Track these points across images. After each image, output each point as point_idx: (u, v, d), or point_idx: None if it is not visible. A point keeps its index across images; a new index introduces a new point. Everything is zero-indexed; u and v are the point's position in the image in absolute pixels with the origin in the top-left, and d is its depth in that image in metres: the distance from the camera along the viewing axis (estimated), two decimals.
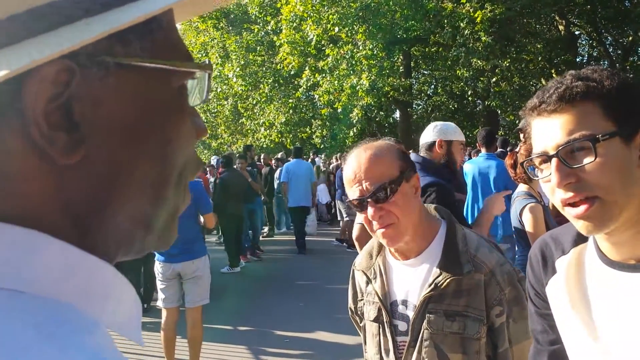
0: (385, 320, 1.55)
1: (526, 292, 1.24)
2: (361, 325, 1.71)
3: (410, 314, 1.51)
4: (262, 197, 10.62)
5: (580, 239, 1.09)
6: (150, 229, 0.46)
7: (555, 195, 0.96)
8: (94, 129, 0.40)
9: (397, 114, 18.72)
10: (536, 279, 1.18)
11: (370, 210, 1.40)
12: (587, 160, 0.90)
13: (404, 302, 1.54)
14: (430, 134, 3.12)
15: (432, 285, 1.45)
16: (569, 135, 0.92)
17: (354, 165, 1.43)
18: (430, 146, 3.08)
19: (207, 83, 0.51)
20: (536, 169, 1.00)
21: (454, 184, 3.11)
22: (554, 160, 0.93)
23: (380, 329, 1.57)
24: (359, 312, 1.72)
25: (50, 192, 0.40)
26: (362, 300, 1.69)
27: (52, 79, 0.37)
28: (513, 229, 3.42)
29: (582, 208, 0.91)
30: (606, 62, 19.13)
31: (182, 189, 0.48)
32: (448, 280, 1.43)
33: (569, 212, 0.94)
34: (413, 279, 1.52)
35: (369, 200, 1.39)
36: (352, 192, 1.43)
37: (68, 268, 0.40)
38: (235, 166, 9.24)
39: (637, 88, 0.95)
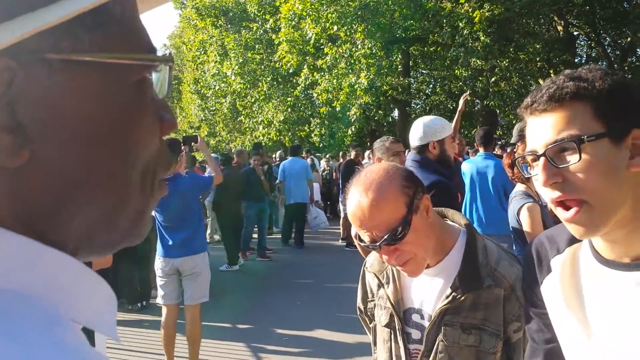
0: (397, 327, 1.52)
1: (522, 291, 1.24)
2: (371, 326, 1.68)
3: (425, 323, 1.48)
4: (275, 195, 10.77)
5: (575, 238, 1.07)
6: (112, 228, 0.45)
7: (544, 193, 0.98)
8: (41, 129, 0.38)
9: (396, 113, 18.74)
10: (532, 278, 1.18)
11: (385, 253, 1.35)
12: (573, 160, 0.91)
13: (419, 311, 1.51)
14: (420, 137, 3.10)
15: (450, 298, 1.41)
16: (557, 134, 0.93)
17: (358, 212, 1.34)
18: (423, 149, 3.06)
19: (167, 76, 0.48)
20: (529, 167, 1.02)
21: (454, 181, 3.14)
22: (542, 159, 0.95)
23: (392, 335, 1.54)
24: (368, 313, 1.69)
25: (2, 192, 0.39)
26: (372, 301, 1.66)
27: None
28: (511, 228, 3.44)
29: (572, 212, 0.93)
30: (604, 63, 19.16)
31: (148, 186, 0.47)
32: (467, 294, 1.40)
33: (560, 214, 0.96)
34: (429, 289, 1.49)
35: (381, 245, 1.33)
36: (362, 236, 1.37)
37: (27, 260, 0.39)
38: (250, 163, 9.38)
39: (632, 88, 0.95)
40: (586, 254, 1.06)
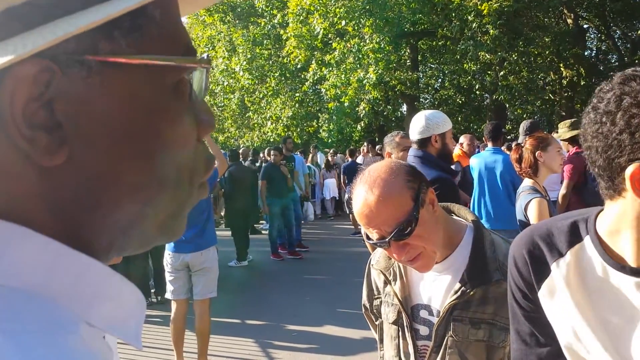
0: (405, 324, 1.52)
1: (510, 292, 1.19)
2: (377, 323, 1.68)
3: (434, 319, 1.48)
4: (301, 192, 10.68)
5: (575, 239, 1.04)
6: (144, 227, 0.45)
7: None
8: (78, 129, 0.39)
9: (404, 108, 18.68)
10: (524, 281, 1.12)
11: (394, 249, 1.36)
12: None
13: (427, 307, 1.50)
14: (421, 130, 3.08)
15: (459, 293, 1.41)
16: None
17: (365, 210, 1.34)
18: (425, 142, 3.05)
19: (205, 79, 0.48)
20: None
21: (454, 175, 3.13)
22: None
23: (400, 332, 1.54)
24: (374, 311, 1.69)
25: (35, 192, 0.40)
26: (378, 298, 1.66)
27: (31, 79, 0.37)
28: (518, 223, 3.43)
29: None
30: (615, 56, 18.99)
31: (185, 187, 0.47)
32: (475, 289, 1.40)
33: None
34: (437, 284, 1.49)
35: (390, 240, 1.34)
36: (371, 234, 1.37)
37: (50, 262, 0.39)
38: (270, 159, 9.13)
39: None
40: (593, 257, 1.01)
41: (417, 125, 3.13)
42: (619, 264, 0.97)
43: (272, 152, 9.16)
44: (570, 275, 1.04)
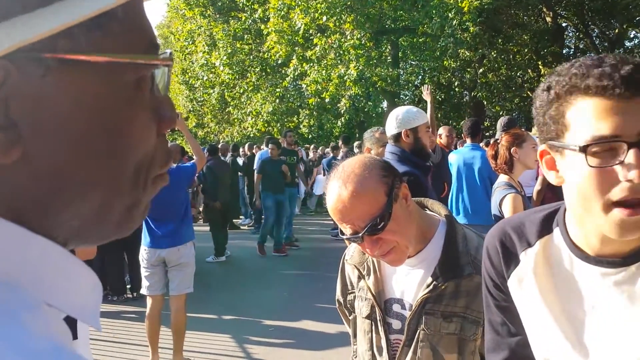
0: (378, 318, 1.52)
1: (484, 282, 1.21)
2: (350, 318, 1.69)
3: (406, 313, 1.48)
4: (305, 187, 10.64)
5: (545, 230, 1.05)
6: (102, 222, 0.45)
7: (622, 189, 0.83)
8: (34, 127, 0.39)
9: (385, 104, 18.72)
10: (495, 270, 1.14)
11: (367, 244, 1.36)
12: None
13: (400, 301, 1.51)
14: (393, 125, 3.11)
15: (431, 287, 1.42)
16: None
17: (338, 205, 1.34)
18: (397, 137, 3.07)
19: (167, 76, 0.48)
20: (588, 156, 0.85)
21: (427, 173, 3.16)
22: (634, 151, 0.81)
23: (373, 326, 1.55)
24: (347, 305, 1.70)
25: None
26: (352, 293, 1.66)
27: None
28: (493, 218, 3.45)
29: None
30: (592, 54, 19.27)
31: (142, 182, 0.47)
32: (447, 282, 1.41)
33: (620, 213, 0.84)
34: (410, 279, 1.49)
35: (364, 235, 1.34)
36: (344, 229, 1.38)
37: (7, 244, 0.39)
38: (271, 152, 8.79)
39: None
40: (561, 248, 1.02)
41: (390, 122, 3.17)
42: (584, 254, 0.97)
43: (270, 146, 8.82)
44: (538, 265, 1.05)
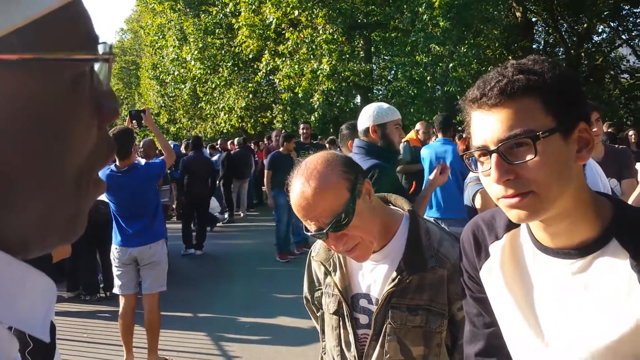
0: (346, 313, 1.54)
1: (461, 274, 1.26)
2: (318, 315, 1.70)
3: (373, 308, 1.51)
4: None
5: (513, 224, 1.09)
6: (47, 232, 0.43)
7: (493, 189, 0.96)
8: None
9: (358, 99, 18.76)
10: (469, 262, 1.19)
11: (332, 240, 1.38)
12: (528, 157, 0.89)
13: (366, 296, 1.53)
14: (364, 120, 3.17)
15: (396, 281, 1.44)
16: (510, 130, 0.91)
17: (302, 202, 1.35)
18: (366, 132, 3.12)
19: (108, 69, 0.46)
20: (478, 162, 0.99)
21: (396, 165, 3.22)
22: (494, 156, 0.92)
23: (341, 322, 1.57)
24: (315, 302, 1.72)
25: None
26: (319, 290, 1.68)
27: None
28: (466, 212, 3.49)
29: (516, 199, 0.92)
30: (562, 49, 19.61)
31: (84, 186, 0.45)
32: (412, 276, 1.43)
33: (502, 201, 0.95)
34: (375, 273, 1.52)
35: (328, 232, 1.35)
36: (309, 226, 1.39)
37: None
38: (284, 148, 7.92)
39: (576, 80, 0.95)
40: (525, 241, 1.07)
41: (361, 117, 3.23)
42: (543, 247, 1.02)
43: (283, 140, 7.95)
44: (505, 257, 1.09)
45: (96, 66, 0.45)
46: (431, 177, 3.22)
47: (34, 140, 0.39)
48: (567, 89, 0.92)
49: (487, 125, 0.94)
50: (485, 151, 0.94)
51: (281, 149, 7.88)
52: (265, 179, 8.01)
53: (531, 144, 0.89)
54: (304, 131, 8.45)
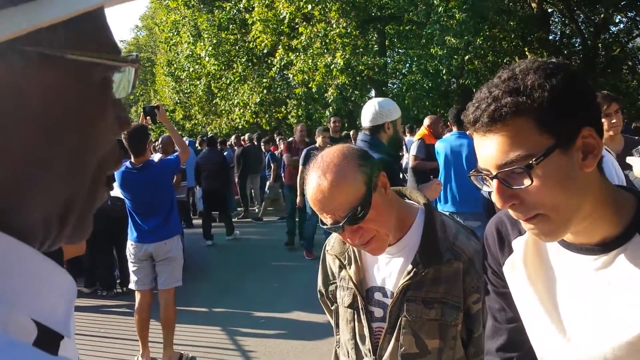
0: (360, 306, 1.54)
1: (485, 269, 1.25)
2: (332, 309, 1.70)
3: (388, 301, 1.50)
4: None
5: None
6: (65, 223, 0.45)
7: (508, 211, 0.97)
8: (9, 119, 0.39)
9: (373, 93, 18.70)
10: (493, 257, 1.18)
11: (348, 234, 1.37)
12: (526, 183, 0.88)
13: (381, 289, 1.53)
14: (372, 117, 3.17)
15: (412, 274, 1.44)
16: (506, 155, 0.89)
17: (318, 195, 1.34)
18: (377, 129, 3.13)
19: (132, 77, 0.49)
20: (484, 181, 0.98)
21: (398, 161, 3.25)
22: (495, 182, 0.92)
23: (355, 315, 1.57)
24: (329, 296, 1.71)
25: None
26: (333, 283, 1.68)
27: None
28: (481, 201, 3.46)
29: (530, 225, 0.92)
30: (578, 40, 19.33)
31: (97, 184, 0.47)
32: (428, 269, 1.43)
33: (525, 226, 0.96)
34: (390, 267, 1.51)
35: (344, 225, 1.35)
36: (325, 219, 1.38)
37: None
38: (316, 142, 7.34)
39: (575, 82, 0.89)
40: None
41: (368, 114, 3.23)
42: (566, 243, 1.01)
43: (320, 134, 7.29)
44: (528, 252, 1.09)
45: (116, 76, 0.47)
46: (425, 187, 3.28)
47: (65, 132, 0.42)
48: (564, 100, 0.87)
49: (485, 149, 0.93)
50: (488, 175, 0.94)
51: (317, 144, 7.24)
52: (299, 176, 7.52)
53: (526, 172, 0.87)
54: (335, 124, 7.98)
